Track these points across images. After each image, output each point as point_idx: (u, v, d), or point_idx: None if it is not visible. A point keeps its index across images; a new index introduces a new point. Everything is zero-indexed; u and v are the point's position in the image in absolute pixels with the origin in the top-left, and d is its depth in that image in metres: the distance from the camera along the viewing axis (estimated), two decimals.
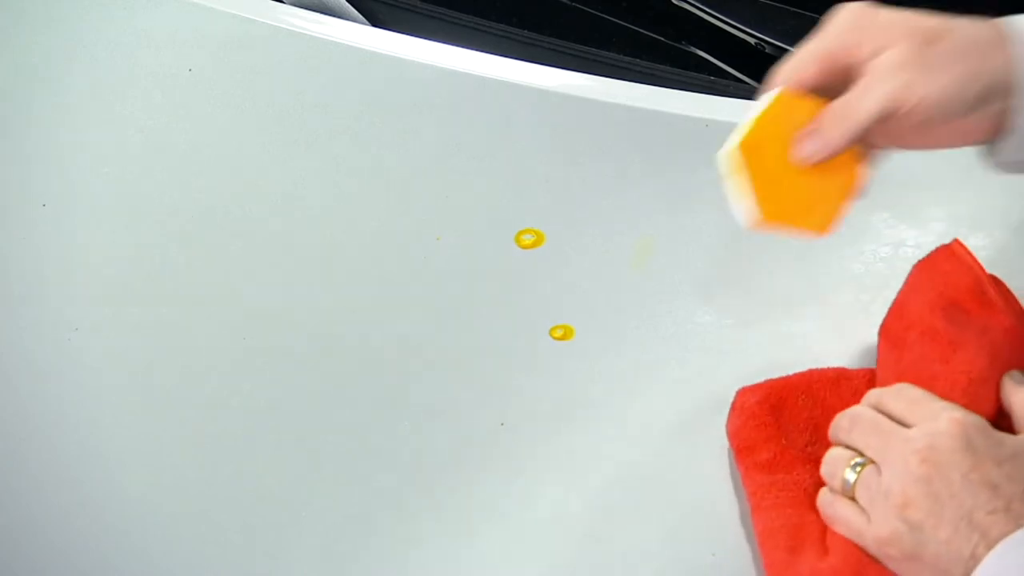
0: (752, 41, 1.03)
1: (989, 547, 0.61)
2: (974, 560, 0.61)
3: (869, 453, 0.67)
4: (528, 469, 0.75)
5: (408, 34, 1.02)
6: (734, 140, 0.60)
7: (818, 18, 1.04)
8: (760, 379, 0.75)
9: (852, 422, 0.68)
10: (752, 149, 0.59)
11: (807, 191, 0.60)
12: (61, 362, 0.83)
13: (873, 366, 0.74)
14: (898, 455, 0.65)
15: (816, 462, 0.70)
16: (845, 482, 0.67)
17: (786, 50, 1.00)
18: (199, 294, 0.86)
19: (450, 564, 0.72)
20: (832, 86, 0.63)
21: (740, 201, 0.60)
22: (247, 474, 0.77)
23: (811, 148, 0.62)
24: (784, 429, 0.73)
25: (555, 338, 0.80)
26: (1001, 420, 0.69)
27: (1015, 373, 0.69)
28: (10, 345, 0.85)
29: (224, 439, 0.79)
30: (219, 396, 0.81)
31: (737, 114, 0.77)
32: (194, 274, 0.88)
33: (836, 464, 0.68)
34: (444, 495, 0.75)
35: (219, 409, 0.80)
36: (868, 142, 0.64)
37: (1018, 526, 0.61)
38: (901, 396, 0.68)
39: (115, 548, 0.75)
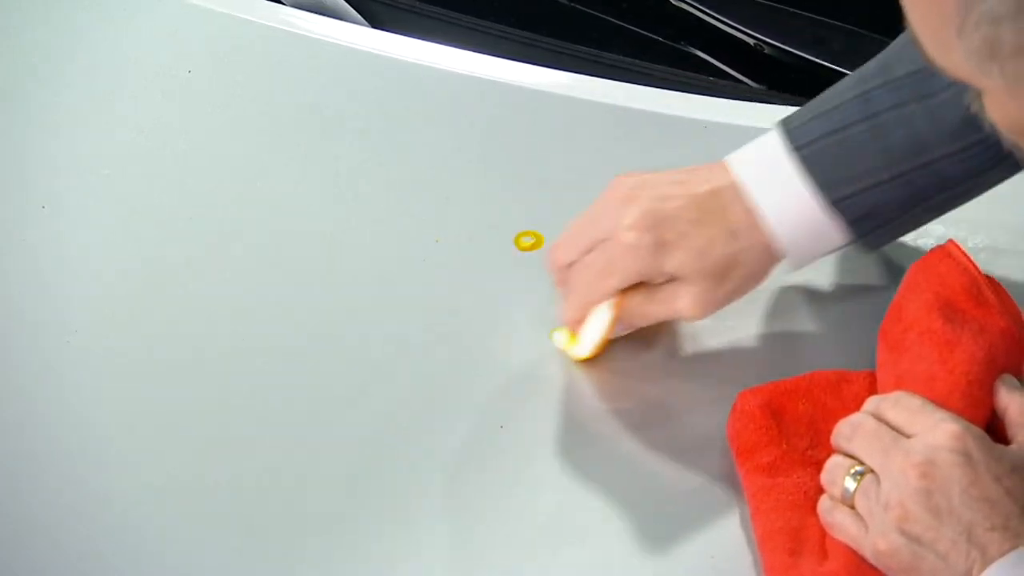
0: (751, 42, 1.03)
1: (987, 564, 0.61)
2: None
3: (869, 462, 0.67)
4: (527, 471, 0.75)
5: (407, 35, 1.02)
6: (583, 352, 0.79)
7: (816, 18, 1.04)
8: (761, 382, 0.75)
9: (853, 430, 0.68)
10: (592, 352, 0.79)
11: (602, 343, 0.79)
12: (61, 364, 0.83)
13: (873, 368, 0.74)
14: (898, 467, 0.65)
15: (817, 465, 0.71)
16: (845, 490, 0.67)
17: (785, 50, 1.01)
18: (198, 295, 0.86)
19: (450, 565, 0.72)
20: None
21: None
22: (246, 475, 0.77)
23: (619, 331, 0.78)
24: (785, 432, 0.73)
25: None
26: (996, 423, 0.69)
27: (1007, 378, 0.69)
28: (9, 348, 0.85)
29: (223, 440, 0.79)
30: (218, 397, 0.81)
31: (735, 115, 0.78)
32: (193, 275, 0.88)
33: (836, 472, 0.68)
34: (443, 497, 0.75)
35: (219, 410, 0.80)
36: None
37: (1016, 544, 0.61)
38: (901, 405, 0.68)
39: (115, 548, 0.74)
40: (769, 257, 0.74)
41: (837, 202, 0.72)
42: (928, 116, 0.71)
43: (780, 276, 0.80)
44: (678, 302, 0.75)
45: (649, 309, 0.76)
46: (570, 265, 0.77)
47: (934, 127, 0.71)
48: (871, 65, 0.74)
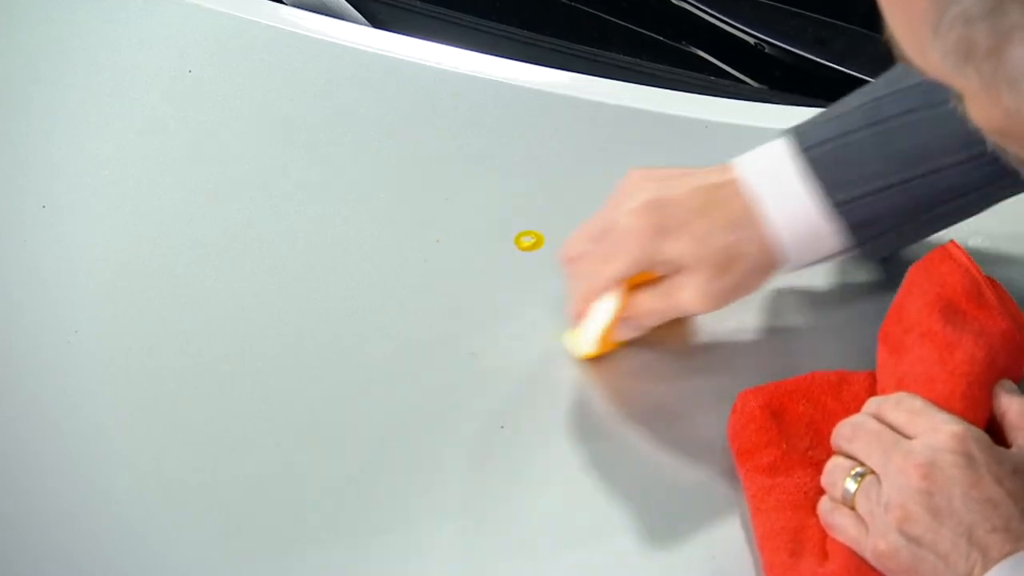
0: (752, 41, 1.03)
1: (988, 566, 0.61)
2: None
3: (870, 464, 0.67)
4: (527, 471, 0.75)
5: (408, 35, 1.02)
6: (585, 347, 0.78)
7: (817, 18, 1.04)
8: (761, 382, 0.75)
9: (854, 431, 0.68)
10: (596, 346, 0.78)
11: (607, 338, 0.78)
12: (62, 364, 0.83)
13: (874, 369, 0.74)
14: (898, 468, 0.65)
15: (817, 466, 0.70)
16: (845, 492, 0.67)
17: (785, 50, 1.01)
18: (198, 296, 0.86)
19: (452, 566, 0.72)
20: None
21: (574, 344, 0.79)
22: (248, 475, 0.77)
23: (628, 332, 0.78)
24: (785, 432, 0.73)
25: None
26: (994, 426, 0.69)
27: (1006, 382, 0.69)
28: (10, 348, 0.85)
29: (224, 441, 0.79)
30: (219, 398, 0.81)
31: (736, 115, 0.78)
32: (193, 276, 0.88)
33: (837, 473, 0.68)
34: (444, 497, 0.75)
35: (220, 409, 0.80)
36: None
37: (1017, 546, 0.61)
38: (902, 406, 0.68)
39: (115, 548, 0.74)
40: (769, 254, 0.74)
41: (839, 205, 0.72)
42: (934, 124, 0.71)
43: (781, 277, 0.80)
44: (681, 293, 0.74)
45: (654, 304, 0.76)
46: (578, 257, 0.78)
47: (939, 135, 0.71)
48: (881, 79, 0.74)
